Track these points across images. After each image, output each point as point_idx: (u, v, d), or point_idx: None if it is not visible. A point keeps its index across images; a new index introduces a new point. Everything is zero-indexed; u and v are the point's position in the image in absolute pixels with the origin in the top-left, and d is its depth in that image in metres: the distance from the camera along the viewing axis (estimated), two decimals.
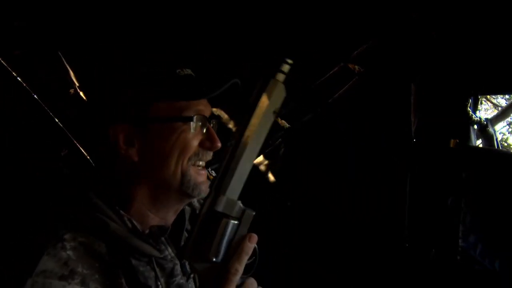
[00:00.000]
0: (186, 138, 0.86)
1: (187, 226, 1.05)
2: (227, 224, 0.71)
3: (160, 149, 0.86)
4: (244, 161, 0.72)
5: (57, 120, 1.91)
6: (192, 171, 0.88)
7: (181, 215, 0.99)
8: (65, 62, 1.95)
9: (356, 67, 1.89)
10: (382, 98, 1.93)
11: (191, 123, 0.86)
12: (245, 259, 0.74)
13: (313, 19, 1.74)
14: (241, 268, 0.73)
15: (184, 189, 0.88)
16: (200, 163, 0.90)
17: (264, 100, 0.71)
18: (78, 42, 1.88)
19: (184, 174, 0.87)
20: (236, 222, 0.73)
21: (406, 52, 1.76)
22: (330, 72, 1.97)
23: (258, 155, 2.35)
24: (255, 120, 0.71)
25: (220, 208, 0.71)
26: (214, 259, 0.71)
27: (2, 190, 1.73)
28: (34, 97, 1.89)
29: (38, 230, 0.81)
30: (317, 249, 2.12)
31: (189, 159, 0.87)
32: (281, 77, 0.72)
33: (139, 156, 0.87)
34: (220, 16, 1.82)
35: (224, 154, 0.73)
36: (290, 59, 0.73)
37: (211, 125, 0.93)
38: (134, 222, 0.87)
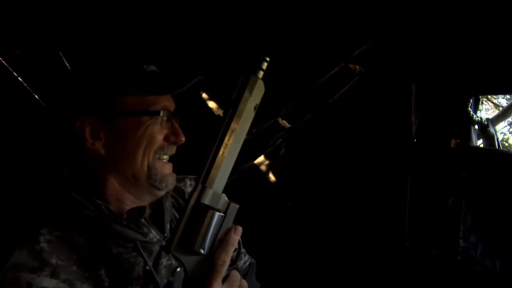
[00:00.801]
0: (153, 132, 0.88)
1: (176, 205, 1.06)
2: (212, 216, 0.72)
3: (126, 143, 0.87)
4: (228, 155, 0.73)
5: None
6: (158, 164, 0.90)
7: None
8: (65, 62, 1.95)
9: (357, 67, 1.89)
10: (383, 98, 1.93)
11: (158, 117, 0.88)
12: (231, 251, 0.75)
13: (313, 19, 1.74)
14: (228, 260, 0.73)
15: (151, 182, 0.89)
16: (165, 157, 0.92)
17: (246, 97, 0.73)
18: (75, 41, 1.88)
19: (150, 167, 0.89)
20: (222, 214, 0.74)
21: (406, 52, 1.76)
22: (331, 72, 1.97)
23: (258, 155, 2.35)
24: (238, 117, 0.73)
25: (206, 201, 0.72)
26: (200, 251, 0.72)
27: (1, 190, 1.73)
28: (35, 97, 1.89)
29: (16, 227, 0.82)
30: (317, 249, 2.11)
31: (155, 152, 0.89)
32: (260, 74, 0.75)
33: (105, 149, 0.88)
34: (216, 16, 1.82)
35: (209, 149, 0.74)
36: (268, 56, 0.75)
37: (175, 120, 0.94)
38: (112, 209, 0.88)
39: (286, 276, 2.16)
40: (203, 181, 0.72)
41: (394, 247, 1.84)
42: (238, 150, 0.75)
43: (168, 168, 0.93)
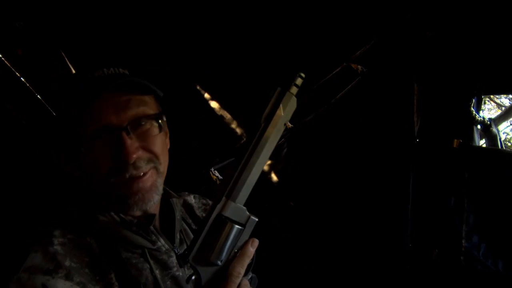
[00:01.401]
0: (95, 156, 0.82)
1: (187, 219, 1.06)
2: (231, 228, 0.73)
3: (85, 167, 0.84)
4: (255, 170, 0.74)
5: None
6: (118, 184, 0.83)
7: (168, 206, 0.99)
8: (68, 62, 1.95)
9: (359, 67, 1.89)
10: (385, 98, 1.93)
11: (88, 142, 0.80)
12: (247, 263, 0.76)
13: (315, 19, 1.74)
14: (243, 271, 0.75)
15: (118, 202, 0.85)
16: (133, 173, 0.83)
17: (279, 113, 0.72)
18: (77, 41, 1.89)
19: (111, 189, 0.83)
20: (240, 227, 0.75)
21: (408, 52, 1.76)
22: (333, 72, 1.96)
23: None
24: (269, 132, 0.72)
25: (228, 213, 0.73)
26: (217, 262, 0.73)
27: (4, 190, 1.74)
28: (38, 97, 1.89)
29: (30, 228, 0.83)
30: (320, 249, 2.11)
31: (109, 175, 0.82)
32: (295, 90, 0.73)
33: (79, 172, 0.87)
34: (216, 15, 1.82)
35: (237, 162, 0.74)
36: (304, 72, 0.73)
37: (132, 130, 0.83)
38: (122, 215, 0.88)
39: (287, 276, 2.16)
40: (227, 194, 0.73)
41: (397, 247, 1.84)
42: (263, 166, 0.75)
43: (133, 185, 0.84)
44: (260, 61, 1.96)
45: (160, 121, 0.88)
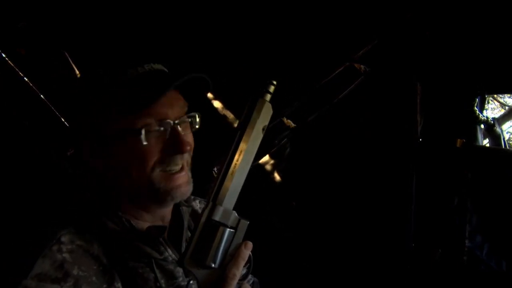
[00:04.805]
0: (143, 148, 0.81)
1: (192, 226, 1.05)
2: (223, 232, 0.77)
3: (121, 161, 0.84)
4: (238, 174, 0.78)
5: (63, 120, 1.92)
6: (160, 178, 0.84)
7: (178, 215, 1.00)
8: (71, 62, 1.96)
9: (362, 66, 1.89)
10: (388, 98, 1.93)
11: (141, 135, 0.80)
12: (242, 265, 0.78)
13: (317, 19, 1.74)
14: (238, 273, 0.77)
15: (155, 197, 0.86)
16: (173, 168, 0.86)
17: (254, 119, 0.78)
18: (81, 41, 1.90)
19: (151, 182, 0.84)
20: (232, 230, 0.78)
21: (411, 52, 1.76)
22: (336, 72, 1.96)
23: (263, 155, 2.35)
24: (247, 137, 0.77)
25: (217, 217, 0.77)
26: (212, 265, 0.76)
27: (7, 190, 1.74)
28: (41, 97, 1.90)
29: (36, 232, 0.82)
30: (321, 249, 2.11)
31: (153, 168, 0.83)
32: (268, 96, 0.79)
33: (104, 168, 0.86)
34: (218, 14, 1.82)
35: (219, 168, 0.78)
36: (275, 80, 0.78)
37: (180, 126, 0.86)
38: (133, 223, 0.88)
39: (289, 277, 2.16)
40: (213, 199, 0.77)
41: (400, 247, 1.84)
42: (247, 169, 0.79)
43: (175, 180, 0.86)
44: (261, 61, 1.96)
45: (197, 118, 0.92)
